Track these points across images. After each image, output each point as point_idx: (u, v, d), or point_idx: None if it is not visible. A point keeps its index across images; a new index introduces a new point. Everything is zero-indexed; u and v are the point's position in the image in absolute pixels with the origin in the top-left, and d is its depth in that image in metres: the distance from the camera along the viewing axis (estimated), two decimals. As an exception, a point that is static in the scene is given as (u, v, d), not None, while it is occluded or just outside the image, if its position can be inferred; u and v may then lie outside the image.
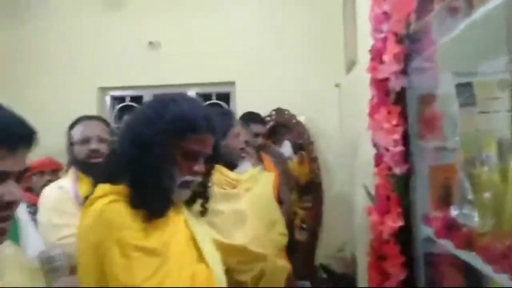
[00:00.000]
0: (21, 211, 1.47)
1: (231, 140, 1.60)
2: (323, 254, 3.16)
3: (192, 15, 3.42)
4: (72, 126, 1.72)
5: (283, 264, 1.58)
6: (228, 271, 1.17)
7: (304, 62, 3.27)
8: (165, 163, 0.99)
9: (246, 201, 1.57)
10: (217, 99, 3.57)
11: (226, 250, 1.26)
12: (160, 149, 0.98)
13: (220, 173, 1.50)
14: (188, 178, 1.05)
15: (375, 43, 1.55)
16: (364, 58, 1.81)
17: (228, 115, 1.72)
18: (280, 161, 2.82)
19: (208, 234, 1.20)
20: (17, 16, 3.60)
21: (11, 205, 0.74)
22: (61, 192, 1.59)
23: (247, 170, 1.86)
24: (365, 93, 1.64)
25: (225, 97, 3.57)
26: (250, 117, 2.65)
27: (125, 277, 0.90)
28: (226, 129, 1.54)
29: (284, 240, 1.79)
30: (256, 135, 2.64)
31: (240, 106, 3.30)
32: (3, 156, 0.72)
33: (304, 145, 3.26)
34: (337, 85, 3.18)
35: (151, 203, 0.99)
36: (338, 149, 3.19)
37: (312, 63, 3.25)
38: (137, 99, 3.63)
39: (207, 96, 3.55)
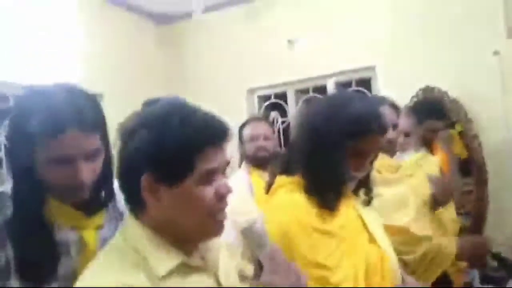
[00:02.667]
0: None
1: None
2: (493, 240, 2.88)
3: (326, 5, 3.47)
4: (242, 127, 2.02)
5: (450, 245, 1.54)
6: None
7: (454, 31, 2.98)
8: (339, 160, 1.08)
9: (409, 187, 1.58)
10: (357, 85, 3.56)
11: (387, 230, 1.30)
12: (336, 148, 1.08)
13: (379, 159, 1.54)
14: (356, 174, 1.15)
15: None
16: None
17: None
18: (449, 144, 2.67)
19: (377, 218, 1.27)
20: (174, 38, 4.21)
21: (225, 196, 0.79)
22: (239, 183, 1.88)
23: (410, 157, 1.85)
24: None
25: (366, 82, 3.52)
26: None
27: (310, 254, 1.05)
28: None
29: (455, 226, 1.73)
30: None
31: (382, 90, 3.22)
32: (213, 154, 0.76)
33: (460, 125, 3.00)
34: (496, 53, 2.84)
35: (325, 194, 1.11)
36: (502, 123, 2.85)
37: (464, 31, 2.95)
38: (281, 96, 3.87)
39: (346, 84, 3.57)
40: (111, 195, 1.01)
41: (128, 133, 0.77)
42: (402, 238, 1.41)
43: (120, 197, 1.13)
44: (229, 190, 0.79)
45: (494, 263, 2.80)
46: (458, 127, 2.92)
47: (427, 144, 2.56)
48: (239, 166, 2.08)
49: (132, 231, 0.77)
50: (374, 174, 1.47)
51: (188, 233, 0.78)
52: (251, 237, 0.82)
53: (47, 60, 2.88)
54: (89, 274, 0.73)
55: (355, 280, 1.05)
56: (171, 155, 0.73)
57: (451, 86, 2.95)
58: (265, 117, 2.29)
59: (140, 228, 0.76)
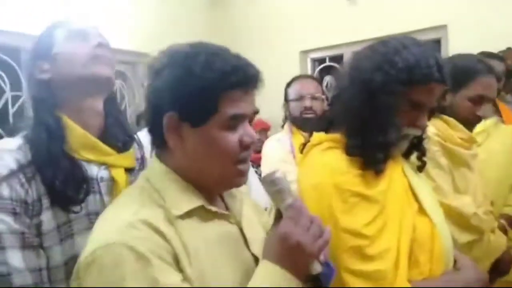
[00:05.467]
0: None
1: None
2: None
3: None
4: (288, 85, 1.89)
5: (499, 243, 1.37)
6: None
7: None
8: (392, 113, 0.93)
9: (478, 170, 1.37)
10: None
11: (444, 209, 1.12)
12: (389, 98, 0.92)
13: (451, 127, 1.33)
14: (410, 131, 0.98)
15: None
16: None
17: None
18: None
19: (428, 186, 1.09)
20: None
21: (249, 146, 0.76)
22: (279, 144, 1.78)
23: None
24: None
25: (436, 44, 3.16)
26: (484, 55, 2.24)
27: (345, 220, 0.91)
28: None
29: None
30: None
31: (453, 52, 2.86)
32: (239, 99, 0.73)
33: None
34: None
35: (371, 153, 0.95)
36: None
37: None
38: (336, 58, 3.62)
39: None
40: (130, 136, 1.02)
41: (154, 72, 0.76)
42: (456, 221, 1.23)
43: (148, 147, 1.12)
44: (253, 140, 0.77)
45: None
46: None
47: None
48: (282, 127, 1.95)
49: (155, 172, 0.77)
50: (443, 144, 1.30)
51: (209, 179, 0.77)
52: (271, 187, 0.76)
53: (95, 20, 2.88)
54: (110, 208, 0.76)
55: (397, 256, 0.90)
56: (195, 93, 0.71)
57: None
58: (313, 76, 2.11)
59: (163, 170, 0.76)
